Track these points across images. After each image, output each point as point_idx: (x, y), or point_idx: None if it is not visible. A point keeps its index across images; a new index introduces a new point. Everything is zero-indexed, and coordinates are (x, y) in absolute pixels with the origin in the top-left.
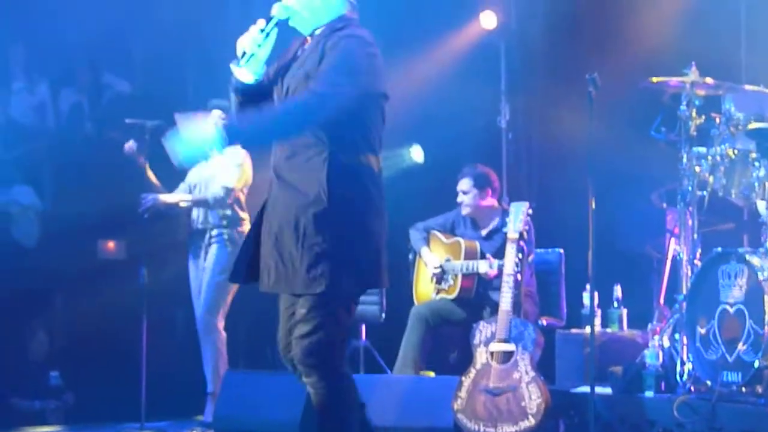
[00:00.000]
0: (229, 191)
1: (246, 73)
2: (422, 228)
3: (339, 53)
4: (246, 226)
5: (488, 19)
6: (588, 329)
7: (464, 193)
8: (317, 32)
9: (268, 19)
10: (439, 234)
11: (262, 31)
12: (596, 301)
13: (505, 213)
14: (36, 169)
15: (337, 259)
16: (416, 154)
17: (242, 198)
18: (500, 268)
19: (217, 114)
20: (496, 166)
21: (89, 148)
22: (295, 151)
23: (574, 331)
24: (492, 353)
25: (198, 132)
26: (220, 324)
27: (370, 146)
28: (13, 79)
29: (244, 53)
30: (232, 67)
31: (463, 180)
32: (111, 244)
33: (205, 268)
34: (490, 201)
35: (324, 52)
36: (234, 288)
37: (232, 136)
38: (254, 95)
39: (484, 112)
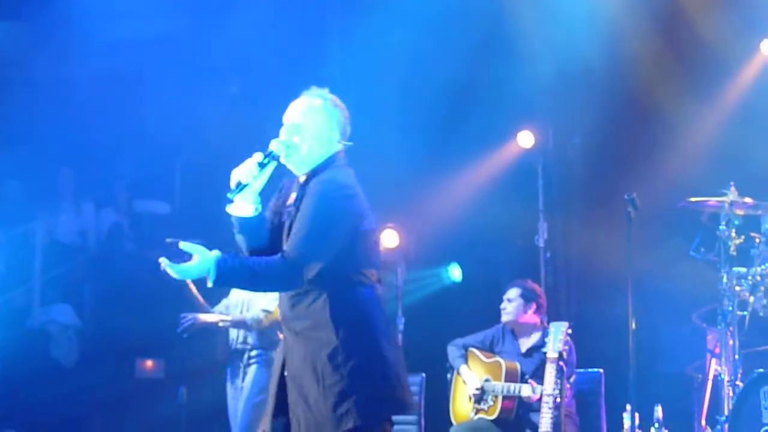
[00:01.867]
0: (268, 314)
1: (242, 205)
2: (461, 345)
3: (314, 207)
4: None
5: (526, 139)
6: None
7: (509, 300)
8: (302, 178)
9: (266, 154)
10: (478, 352)
11: (260, 164)
12: (637, 422)
13: (546, 332)
14: (75, 288)
15: (360, 393)
16: (454, 272)
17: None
18: (543, 393)
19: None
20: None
21: (128, 267)
22: (297, 299)
23: None
24: None
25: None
26: None
27: (365, 273)
28: (61, 200)
29: (239, 183)
30: (228, 208)
31: (512, 289)
32: (149, 363)
33: (243, 388)
34: (534, 317)
35: (302, 200)
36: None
37: (219, 278)
38: (255, 231)
39: (522, 231)
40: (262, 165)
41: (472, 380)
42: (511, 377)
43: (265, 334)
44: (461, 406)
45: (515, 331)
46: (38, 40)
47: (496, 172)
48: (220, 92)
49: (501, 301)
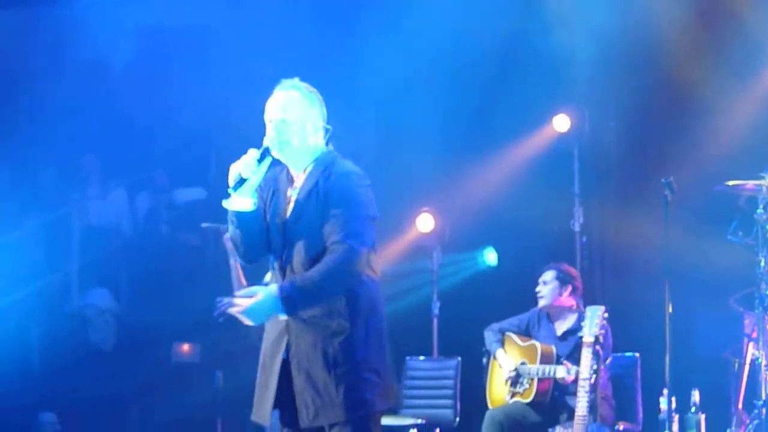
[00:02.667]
0: None
1: (241, 200)
2: (497, 329)
3: (348, 197)
4: None
5: (561, 123)
6: None
7: (545, 283)
8: (308, 169)
9: (264, 151)
10: (514, 336)
11: (258, 159)
12: (673, 406)
13: (582, 315)
14: (113, 272)
15: (370, 382)
16: (490, 257)
17: None
18: (578, 374)
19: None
20: None
21: (165, 251)
22: None
23: None
24: None
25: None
26: None
27: (374, 263)
28: (88, 185)
29: (240, 178)
30: (225, 203)
31: (547, 272)
32: (186, 347)
33: None
34: (569, 300)
35: (327, 192)
36: None
37: (292, 308)
38: (252, 225)
39: (557, 216)
40: (260, 160)
41: (508, 363)
42: (546, 360)
43: None
44: (497, 390)
45: (551, 314)
46: (71, 25)
47: (532, 156)
48: (254, 75)
49: (536, 285)
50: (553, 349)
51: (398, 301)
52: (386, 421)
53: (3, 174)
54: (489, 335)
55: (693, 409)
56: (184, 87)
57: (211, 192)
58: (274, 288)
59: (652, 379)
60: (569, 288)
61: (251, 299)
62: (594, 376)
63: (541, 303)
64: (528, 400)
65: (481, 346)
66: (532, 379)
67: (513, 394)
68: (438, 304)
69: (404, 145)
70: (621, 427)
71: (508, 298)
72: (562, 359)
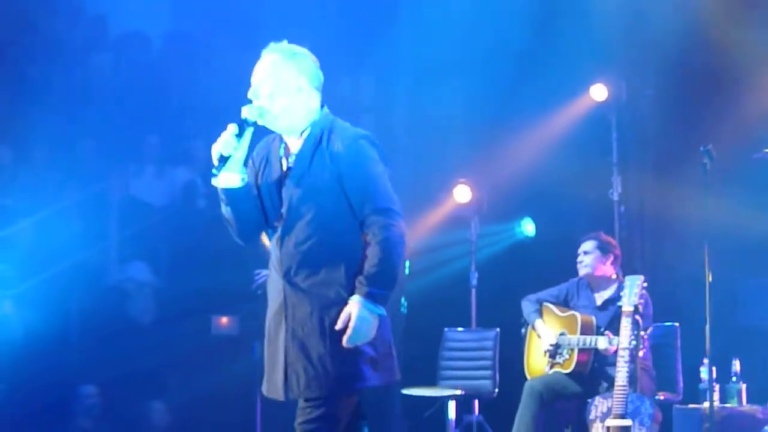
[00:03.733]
0: None
1: (228, 176)
2: (535, 300)
3: (365, 162)
4: None
5: (599, 92)
6: (706, 404)
7: (586, 253)
8: (305, 134)
9: (240, 123)
10: (552, 306)
11: (237, 135)
12: (714, 376)
13: (621, 285)
14: (151, 246)
15: (365, 356)
16: (528, 227)
17: None
18: (618, 346)
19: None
20: None
21: (203, 224)
22: (305, 254)
23: (691, 406)
24: (608, 429)
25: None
26: None
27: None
28: (140, 163)
29: (221, 158)
30: (214, 182)
31: (587, 241)
32: (225, 320)
33: None
34: (609, 269)
35: (337, 158)
36: None
37: (383, 301)
38: (243, 201)
39: (595, 185)
40: (239, 135)
41: (547, 335)
42: (586, 330)
43: None
44: (536, 361)
45: (591, 284)
46: None
47: (569, 125)
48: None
49: (575, 255)
50: (593, 319)
51: (436, 272)
52: (425, 392)
53: (42, 148)
54: (527, 306)
55: (734, 379)
56: (223, 58)
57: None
58: (358, 299)
59: (693, 349)
60: (611, 257)
61: (350, 324)
62: (634, 346)
63: (583, 271)
64: (568, 371)
65: (519, 316)
66: (572, 350)
67: (552, 365)
68: (476, 275)
69: (440, 116)
70: (661, 397)
71: (546, 269)
72: (602, 329)
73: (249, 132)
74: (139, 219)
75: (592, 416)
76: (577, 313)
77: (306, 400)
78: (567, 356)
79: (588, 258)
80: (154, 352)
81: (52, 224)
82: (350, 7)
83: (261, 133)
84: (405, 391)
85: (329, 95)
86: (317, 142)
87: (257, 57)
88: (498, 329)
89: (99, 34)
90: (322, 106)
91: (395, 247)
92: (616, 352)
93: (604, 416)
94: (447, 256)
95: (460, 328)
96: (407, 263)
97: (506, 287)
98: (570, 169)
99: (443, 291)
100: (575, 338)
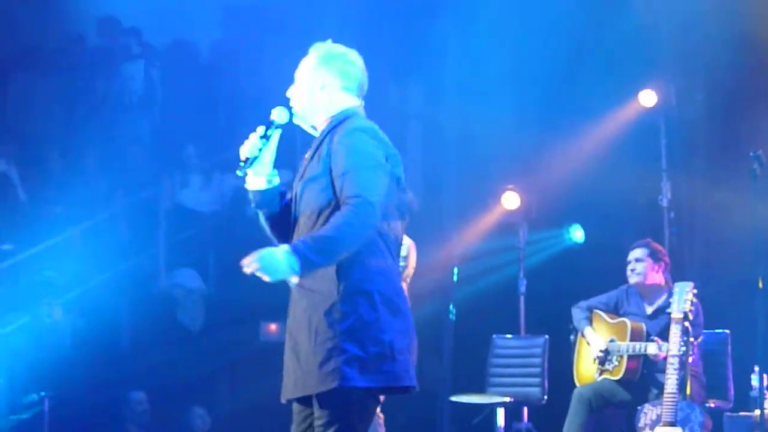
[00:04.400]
0: None
1: (254, 179)
2: (585, 307)
3: (352, 151)
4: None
5: (647, 98)
6: (757, 412)
7: (637, 260)
8: (320, 129)
9: (268, 124)
10: (602, 313)
11: (263, 137)
12: (765, 383)
13: (671, 292)
14: (200, 252)
15: (348, 354)
16: (577, 234)
17: (405, 287)
18: (668, 353)
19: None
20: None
21: (251, 231)
22: None
23: (742, 413)
24: None
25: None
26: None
27: (386, 228)
28: (187, 173)
29: (246, 159)
30: (245, 185)
31: (638, 249)
32: (273, 327)
33: None
34: (659, 278)
35: (330, 152)
36: None
37: (303, 261)
38: (271, 203)
39: (645, 191)
40: (265, 136)
41: (597, 342)
42: (636, 337)
43: None
44: (585, 368)
45: (642, 292)
46: (157, 6)
47: (618, 131)
48: None
49: (624, 261)
50: (643, 326)
51: (485, 279)
52: (474, 399)
53: (92, 156)
54: (577, 313)
55: None
56: (271, 67)
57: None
58: (285, 245)
59: (744, 356)
60: (662, 265)
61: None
62: (683, 353)
63: (635, 280)
64: (617, 378)
65: (568, 323)
66: (622, 357)
67: (601, 372)
68: (525, 282)
69: (489, 123)
70: (712, 405)
71: (595, 275)
72: (652, 337)
73: (276, 134)
74: (187, 226)
75: (641, 424)
76: (627, 320)
77: (300, 402)
78: (616, 363)
79: (640, 266)
80: (203, 359)
81: (102, 231)
82: (398, 15)
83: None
84: (453, 398)
85: (377, 103)
86: (323, 138)
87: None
88: (547, 336)
89: (141, 42)
90: (357, 110)
91: (349, 227)
92: (665, 359)
93: (654, 424)
94: (495, 262)
95: (508, 335)
96: (455, 270)
97: (555, 294)
98: (619, 175)
99: (492, 298)
100: (625, 345)
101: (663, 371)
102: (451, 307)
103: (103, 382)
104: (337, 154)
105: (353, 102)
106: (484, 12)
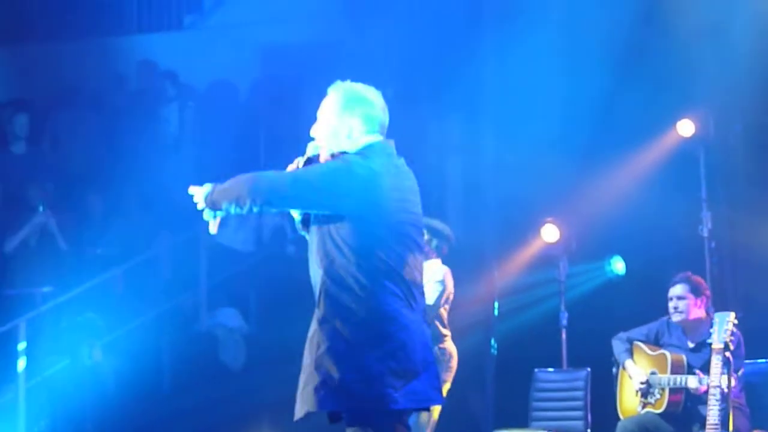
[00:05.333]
0: (430, 309)
1: (294, 212)
2: (625, 339)
3: (317, 165)
4: (448, 343)
5: (686, 128)
6: None
7: (679, 298)
8: None
9: (306, 158)
10: (643, 345)
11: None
12: None
13: (713, 324)
14: (241, 292)
15: (317, 381)
16: (618, 266)
17: (444, 314)
18: (709, 384)
19: None
20: (699, 275)
21: (292, 270)
22: (313, 275)
23: None
24: None
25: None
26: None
27: (373, 265)
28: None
29: None
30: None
31: (679, 285)
32: None
33: None
34: (701, 312)
35: None
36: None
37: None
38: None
39: (685, 222)
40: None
41: (638, 374)
42: (677, 369)
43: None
44: (628, 401)
45: (684, 327)
46: (197, 47)
47: (657, 162)
48: None
49: (666, 292)
50: (684, 358)
51: (526, 312)
52: None
53: (132, 197)
54: (617, 345)
55: None
56: (309, 106)
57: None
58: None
59: None
60: (704, 299)
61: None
62: (725, 384)
63: (678, 318)
64: (660, 411)
65: (610, 355)
66: (663, 390)
67: (644, 405)
68: (566, 315)
69: (528, 155)
70: None
71: (637, 307)
72: (695, 370)
73: None
74: (228, 265)
75: None
76: (667, 353)
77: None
78: (659, 396)
79: (682, 304)
80: (245, 398)
81: (142, 272)
82: (437, 49)
83: None
84: None
85: (417, 136)
86: None
87: None
88: (589, 369)
89: (177, 84)
90: (377, 144)
91: (241, 177)
92: (707, 391)
93: None
94: (536, 296)
95: (550, 369)
96: (496, 303)
97: (597, 326)
98: (659, 205)
99: (533, 331)
100: (666, 378)
101: (706, 404)
102: (492, 341)
103: (145, 424)
104: None
105: (376, 139)
106: (523, 44)
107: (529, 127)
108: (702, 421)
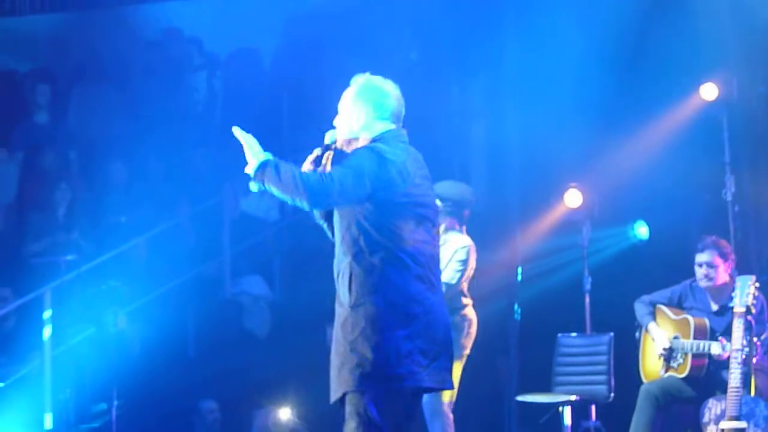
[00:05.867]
0: (450, 288)
1: None
2: (648, 302)
3: (346, 158)
4: (468, 310)
5: (709, 91)
6: None
7: (709, 266)
8: None
9: (324, 147)
10: (665, 309)
11: (317, 157)
12: None
13: (735, 287)
14: (265, 259)
15: (353, 362)
16: (641, 230)
17: (465, 286)
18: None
19: None
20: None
21: (315, 236)
22: (338, 263)
23: None
24: (723, 431)
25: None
26: (446, 406)
27: (399, 246)
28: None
29: None
30: None
31: (707, 252)
32: None
33: None
34: (726, 276)
35: None
36: (459, 371)
37: (264, 167)
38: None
39: (708, 186)
40: (317, 160)
41: (661, 339)
42: (700, 334)
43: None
44: (651, 364)
45: (710, 291)
46: (219, 14)
47: (680, 126)
48: (399, 60)
49: (690, 257)
50: (707, 322)
51: (549, 277)
52: (540, 398)
53: (156, 165)
54: (639, 308)
55: None
56: (332, 72)
57: None
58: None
59: None
60: (731, 264)
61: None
62: (747, 347)
63: (707, 284)
64: (683, 376)
65: (633, 320)
66: (686, 354)
67: (667, 369)
68: (589, 280)
69: (551, 121)
70: None
71: (660, 272)
72: (717, 334)
73: (328, 155)
74: (252, 233)
75: (705, 419)
76: (689, 317)
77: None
78: (681, 361)
79: (713, 271)
80: (272, 365)
81: (166, 240)
82: (458, 14)
83: None
84: (519, 398)
85: (441, 103)
86: None
87: (366, 69)
88: (612, 334)
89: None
90: (392, 130)
91: (299, 184)
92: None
93: (718, 418)
94: (559, 261)
95: (573, 334)
96: (519, 269)
97: (620, 291)
98: (682, 170)
99: (556, 296)
100: (689, 343)
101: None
102: (515, 306)
103: (170, 391)
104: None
105: (389, 127)
106: (545, 7)
107: (552, 91)
108: (725, 385)
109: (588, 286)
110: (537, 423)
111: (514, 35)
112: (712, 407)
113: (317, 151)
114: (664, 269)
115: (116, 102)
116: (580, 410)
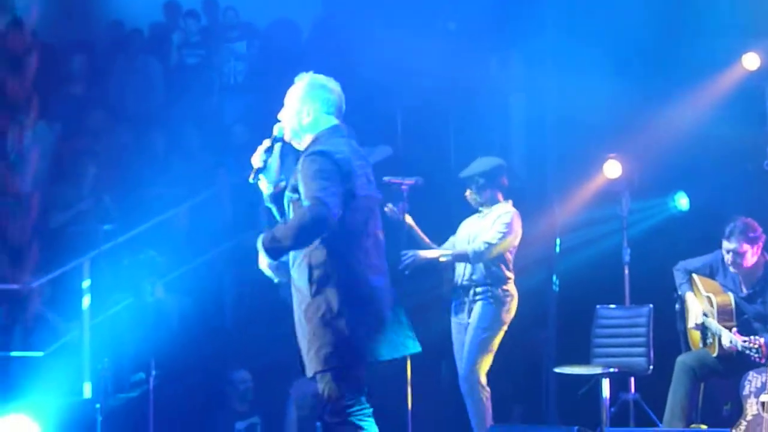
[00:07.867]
0: (490, 248)
1: (263, 184)
2: (683, 270)
3: (308, 168)
4: (511, 285)
5: (751, 61)
6: None
7: (736, 253)
8: (305, 145)
9: (273, 139)
10: (698, 281)
11: (267, 149)
12: None
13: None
14: None
15: (317, 345)
16: (681, 201)
17: (509, 257)
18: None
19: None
20: (765, 211)
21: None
22: (295, 253)
23: None
24: (763, 404)
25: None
26: (483, 379)
27: (353, 238)
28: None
29: (257, 169)
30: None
31: (734, 239)
32: None
33: (468, 325)
34: (755, 258)
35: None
36: (496, 345)
37: (267, 249)
38: (281, 202)
39: (750, 156)
40: (268, 150)
41: (695, 311)
42: (723, 315)
43: (489, 269)
44: (695, 331)
45: (741, 274)
46: None
47: (721, 95)
48: (437, 30)
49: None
50: (731, 300)
51: (588, 249)
52: (578, 370)
53: (194, 136)
54: (678, 276)
55: None
56: (370, 43)
57: (397, 149)
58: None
59: None
60: (760, 244)
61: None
62: None
63: (735, 270)
64: (714, 355)
65: (673, 291)
66: (714, 336)
67: (704, 344)
68: (629, 251)
69: (589, 92)
70: None
71: (701, 243)
72: (746, 317)
73: (277, 146)
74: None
75: (745, 392)
76: (713, 297)
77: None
78: (711, 341)
79: (740, 258)
80: None
81: (205, 210)
82: None
83: None
84: (558, 370)
85: (480, 77)
86: (304, 153)
87: (405, 40)
88: (651, 305)
89: (240, 23)
90: (334, 126)
91: (301, 222)
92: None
93: (759, 391)
94: (598, 232)
95: (612, 305)
96: (558, 240)
97: (660, 263)
98: (723, 140)
99: (595, 268)
100: (714, 326)
101: None
102: (554, 278)
103: (208, 360)
104: (300, 173)
105: (333, 122)
106: None
107: (591, 62)
108: (757, 366)
109: (627, 258)
110: (575, 395)
111: (553, 5)
112: (753, 380)
113: (267, 142)
114: (704, 241)
115: (155, 73)
116: (618, 382)
